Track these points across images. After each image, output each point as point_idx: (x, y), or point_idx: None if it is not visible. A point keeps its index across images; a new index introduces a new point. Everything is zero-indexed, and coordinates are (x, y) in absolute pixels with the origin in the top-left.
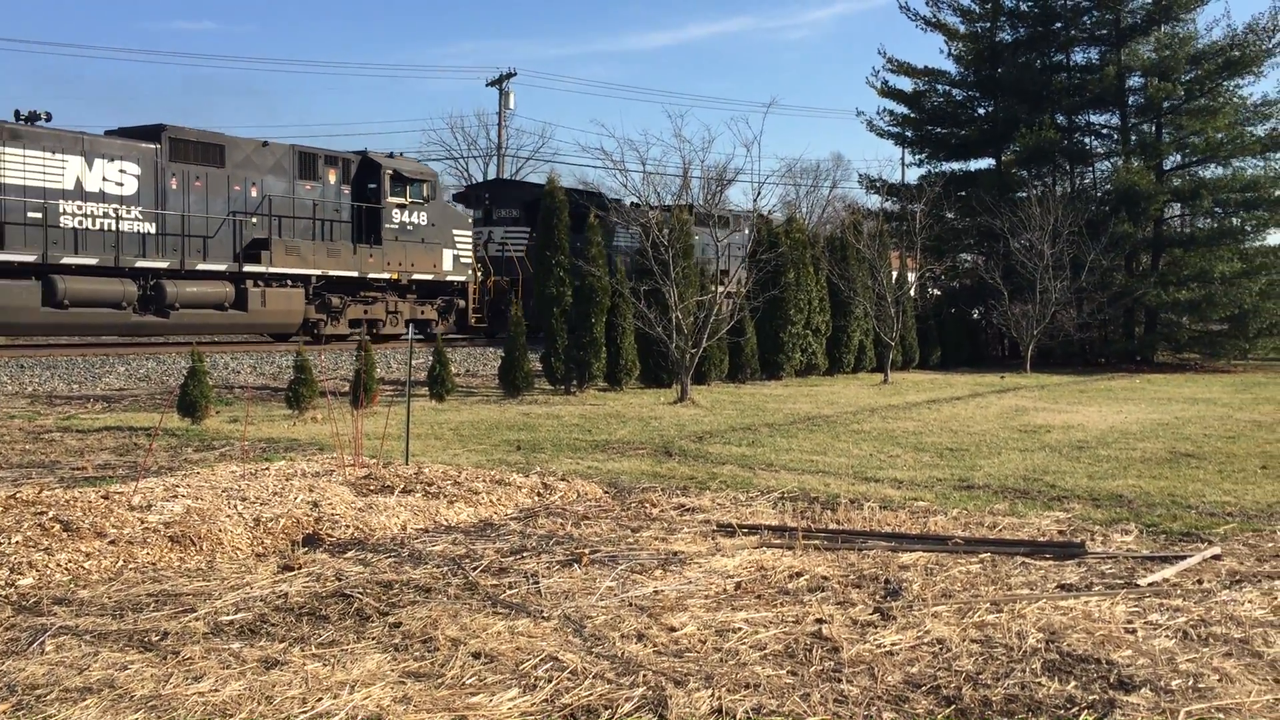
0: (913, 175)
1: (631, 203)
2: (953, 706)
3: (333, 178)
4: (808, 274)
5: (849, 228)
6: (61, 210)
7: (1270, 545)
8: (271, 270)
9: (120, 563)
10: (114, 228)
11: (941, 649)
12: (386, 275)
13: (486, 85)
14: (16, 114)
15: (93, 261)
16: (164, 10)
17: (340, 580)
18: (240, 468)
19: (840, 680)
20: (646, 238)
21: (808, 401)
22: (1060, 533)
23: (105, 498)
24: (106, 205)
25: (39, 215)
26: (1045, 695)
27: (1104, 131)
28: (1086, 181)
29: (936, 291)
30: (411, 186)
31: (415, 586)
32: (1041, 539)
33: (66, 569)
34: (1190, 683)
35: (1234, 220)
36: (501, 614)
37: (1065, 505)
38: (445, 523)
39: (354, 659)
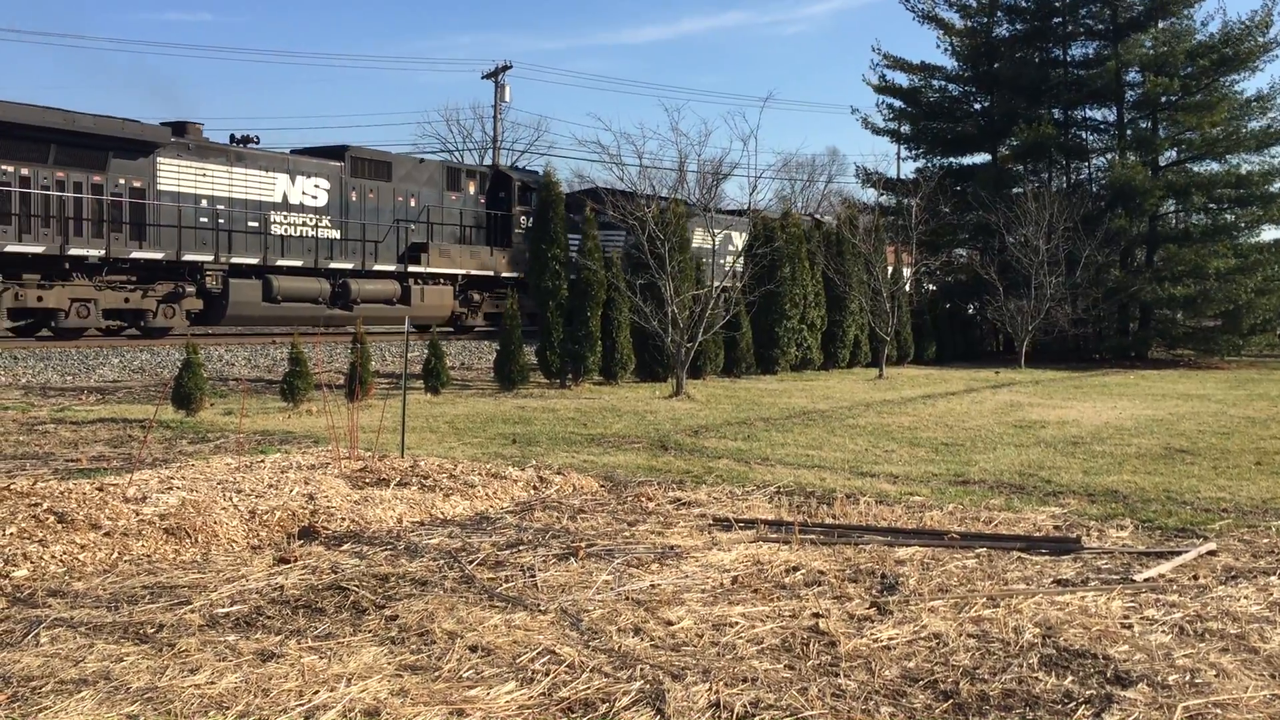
0: (908, 169)
1: (624, 192)
2: (950, 701)
3: (472, 189)
4: (803, 269)
5: (845, 222)
6: (272, 220)
7: (1265, 541)
8: (429, 270)
9: (115, 555)
10: (312, 234)
11: (938, 644)
12: (515, 274)
13: (482, 78)
14: (231, 137)
15: (297, 263)
16: (159, 1)
17: (336, 573)
18: (235, 460)
19: (837, 674)
20: (643, 231)
21: (803, 396)
22: (1056, 528)
23: (100, 489)
24: (305, 215)
25: (256, 224)
26: (1042, 690)
27: (1100, 127)
28: (1082, 177)
29: (932, 286)
30: (536, 196)
31: (411, 579)
32: (1037, 534)
33: (61, 561)
34: (1187, 678)
35: (1229, 216)
36: (498, 607)
37: (1061, 501)
38: (441, 516)
39: (350, 652)
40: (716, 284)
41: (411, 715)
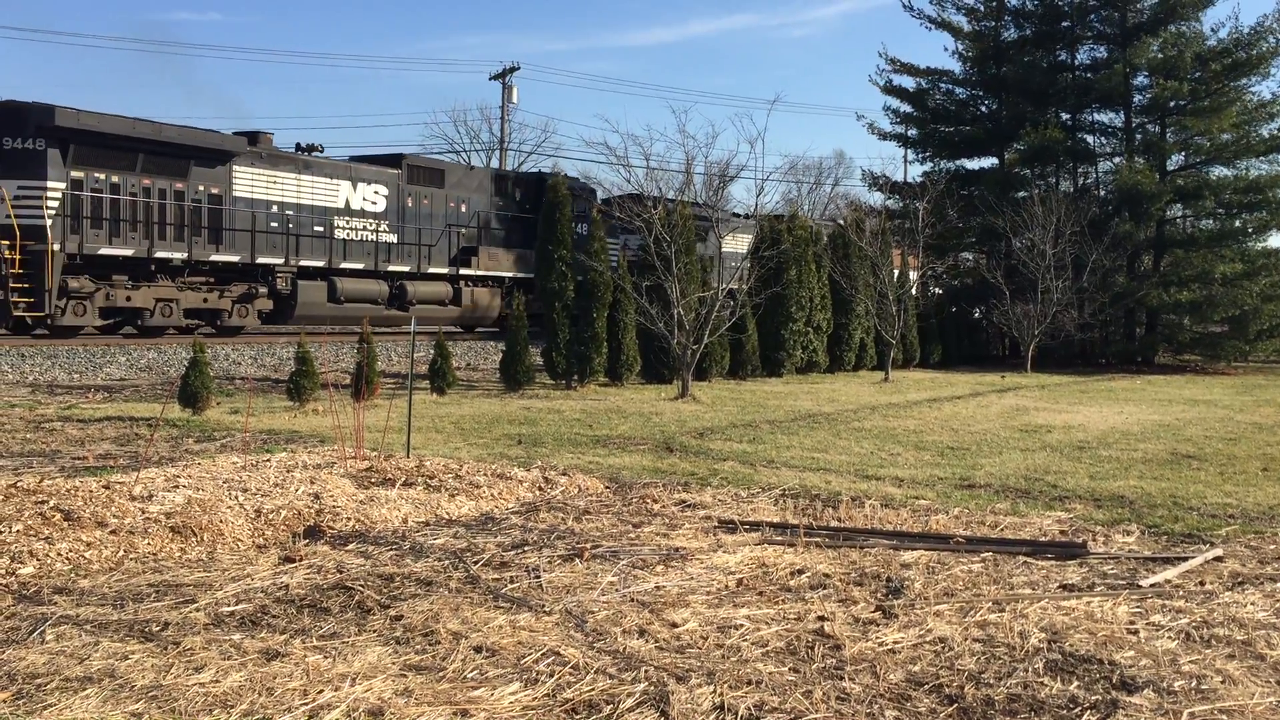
0: (915, 172)
1: (632, 195)
2: (955, 705)
3: (518, 195)
4: (810, 271)
5: (851, 225)
6: (336, 225)
7: (1272, 547)
8: (478, 273)
9: (121, 553)
10: (372, 239)
11: (944, 648)
12: None
13: (490, 79)
14: (298, 146)
15: (359, 266)
16: (169, 1)
17: (341, 572)
18: (241, 459)
19: (842, 678)
20: (649, 233)
21: (809, 399)
22: (1062, 533)
23: (106, 487)
24: (365, 220)
25: (321, 229)
26: (1048, 695)
27: (1108, 131)
28: (1089, 181)
29: (938, 290)
30: (577, 203)
31: (416, 579)
32: (1043, 539)
33: (67, 558)
34: (1193, 684)
35: (1236, 222)
36: (503, 608)
37: (1067, 505)
38: (446, 516)
39: (355, 651)
40: (723, 286)
41: (416, 715)
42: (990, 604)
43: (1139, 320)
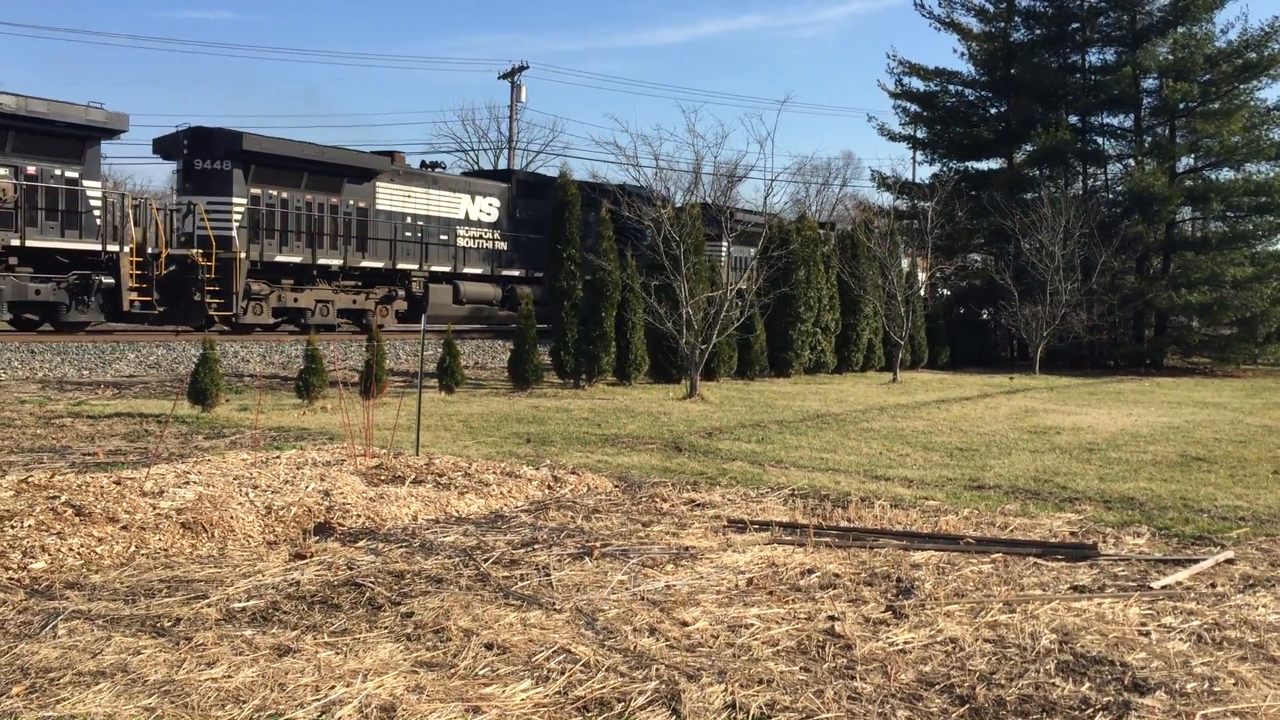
0: (924, 173)
1: (638, 188)
2: (966, 706)
3: (603, 206)
4: (818, 272)
5: (860, 226)
6: (458, 234)
7: None
8: None
9: (132, 548)
10: (488, 246)
11: (954, 648)
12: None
13: (498, 78)
14: (423, 163)
15: (478, 271)
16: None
17: (352, 569)
18: (251, 456)
19: (853, 678)
20: (658, 233)
21: (817, 399)
22: (1072, 534)
23: (117, 483)
24: (482, 230)
25: (446, 238)
26: (1059, 696)
27: (1118, 133)
28: (1098, 183)
29: (946, 291)
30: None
31: (427, 577)
32: (1053, 540)
33: (79, 553)
34: (1205, 686)
35: (1247, 224)
36: (513, 605)
37: (1077, 507)
38: (456, 514)
39: (366, 648)
40: (732, 288)
41: (427, 712)
42: (1001, 604)
43: (1148, 322)
